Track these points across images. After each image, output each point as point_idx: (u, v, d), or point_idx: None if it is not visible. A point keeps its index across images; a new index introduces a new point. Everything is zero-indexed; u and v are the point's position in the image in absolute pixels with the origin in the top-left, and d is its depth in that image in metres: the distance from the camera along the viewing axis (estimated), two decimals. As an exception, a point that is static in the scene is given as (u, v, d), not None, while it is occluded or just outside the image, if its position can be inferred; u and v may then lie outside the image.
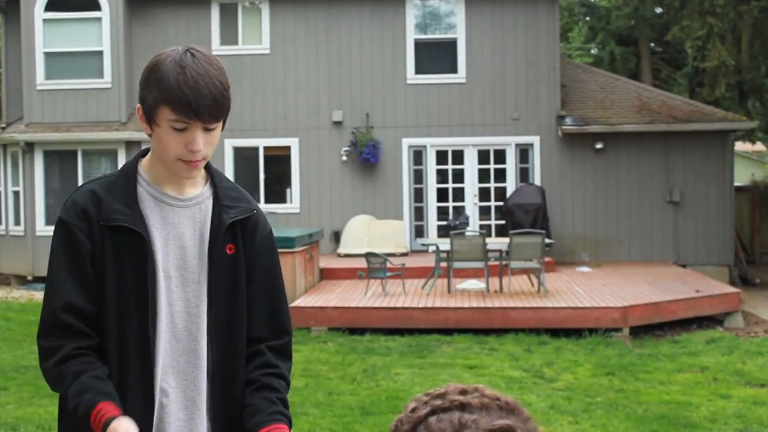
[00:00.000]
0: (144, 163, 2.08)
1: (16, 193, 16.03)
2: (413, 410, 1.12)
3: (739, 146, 24.92)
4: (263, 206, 15.55)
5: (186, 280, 2.03)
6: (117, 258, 1.98)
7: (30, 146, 15.52)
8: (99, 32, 15.62)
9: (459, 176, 15.86)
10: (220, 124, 1.98)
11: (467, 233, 12.56)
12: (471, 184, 15.82)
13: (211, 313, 2.04)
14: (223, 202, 2.08)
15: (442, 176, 15.86)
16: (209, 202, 2.08)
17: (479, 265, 11.42)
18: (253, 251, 2.12)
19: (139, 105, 1.99)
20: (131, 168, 2.06)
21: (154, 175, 2.05)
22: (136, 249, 1.98)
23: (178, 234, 2.03)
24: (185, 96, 1.87)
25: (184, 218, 2.05)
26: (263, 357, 2.09)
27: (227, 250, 2.06)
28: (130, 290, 1.97)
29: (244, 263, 2.09)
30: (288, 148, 16.01)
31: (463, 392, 1.12)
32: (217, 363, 2.05)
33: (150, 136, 2.00)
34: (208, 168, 2.12)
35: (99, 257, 1.98)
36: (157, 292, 1.99)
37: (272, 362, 2.09)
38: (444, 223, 15.56)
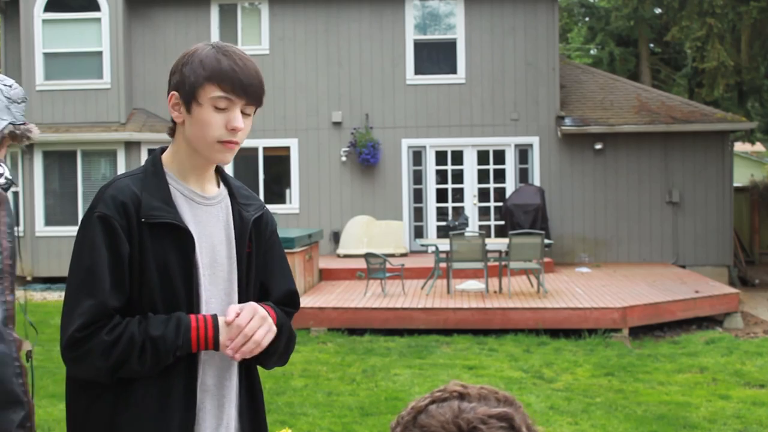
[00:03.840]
0: (166, 159, 2.07)
1: (16, 194, 16.02)
2: (416, 402, 1.16)
3: (739, 147, 24.93)
4: (263, 207, 15.57)
5: (217, 277, 2.04)
6: (160, 255, 1.95)
7: (29, 147, 15.52)
8: (98, 33, 15.62)
9: (458, 177, 15.86)
10: (254, 112, 2.00)
11: (467, 234, 12.56)
12: (470, 185, 15.83)
13: None
14: (239, 200, 2.11)
15: (441, 177, 15.87)
16: (227, 201, 2.10)
17: (479, 265, 11.42)
18: (266, 246, 2.16)
19: (173, 92, 2.02)
20: (157, 165, 2.04)
21: (179, 170, 2.04)
22: (180, 245, 1.96)
23: (208, 232, 2.04)
24: (235, 73, 1.90)
25: (211, 217, 2.06)
26: None
27: (247, 248, 2.10)
28: (176, 288, 1.96)
29: (258, 259, 2.13)
30: (287, 148, 16.01)
31: (464, 386, 1.17)
32: (245, 360, 2.07)
33: (173, 130, 2.03)
34: (217, 168, 2.13)
35: (137, 254, 1.94)
36: (200, 288, 2.00)
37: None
38: (443, 223, 15.56)
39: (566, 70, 17.07)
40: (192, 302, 1.98)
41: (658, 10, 22.69)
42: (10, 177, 2.38)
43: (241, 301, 2.07)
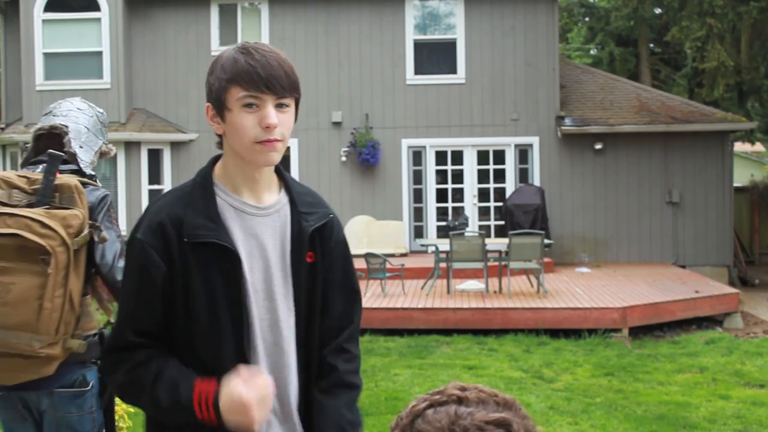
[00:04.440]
0: (217, 171, 1.99)
1: (16, 194, 16.02)
2: (413, 406, 1.14)
3: (739, 147, 24.93)
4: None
5: (271, 292, 1.95)
6: (205, 275, 1.88)
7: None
8: (98, 33, 15.61)
9: (458, 177, 15.86)
10: (293, 103, 1.90)
11: (466, 234, 12.56)
12: (470, 185, 15.82)
13: (299, 323, 1.99)
14: (300, 208, 2.00)
15: (441, 177, 15.86)
16: (287, 210, 2.00)
17: (479, 265, 11.42)
18: (330, 256, 2.05)
19: (207, 104, 1.92)
20: (206, 177, 1.97)
21: (229, 182, 1.95)
22: (226, 265, 1.88)
23: (261, 245, 1.94)
24: (254, 69, 1.83)
25: (265, 228, 1.96)
26: (333, 370, 2.05)
27: (307, 258, 1.99)
28: (221, 308, 1.89)
29: (322, 270, 2.02)
30: (287, 148, 15.98)
31: (462, 389, 1.14)
32: (304, 375, 2.00)
33: (221, 140, 1.94)
34: (280, 174, 2.04)
35: (179, 276, 1.87)
36: (250, 308, 1.92)
37: (341, 377, 2.05)
38: (443, 223, 15.56)
39: (566, 70, 17.06)
40: (239, 324, 1.90)
41: (658, 10, 22.69)
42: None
43: (298, 317, 1.97)
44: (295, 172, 15.93)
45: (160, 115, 15.95)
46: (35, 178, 2.70)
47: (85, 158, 2.92)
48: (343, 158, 15.77)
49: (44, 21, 15.59)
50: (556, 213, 15.56)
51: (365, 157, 15.39)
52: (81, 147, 2.92)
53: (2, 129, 16.23)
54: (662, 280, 12.86)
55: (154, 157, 15.67)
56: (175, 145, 15.89)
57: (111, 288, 2.82)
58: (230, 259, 1.88)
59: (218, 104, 1.89)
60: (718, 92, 17.32)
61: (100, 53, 15.61)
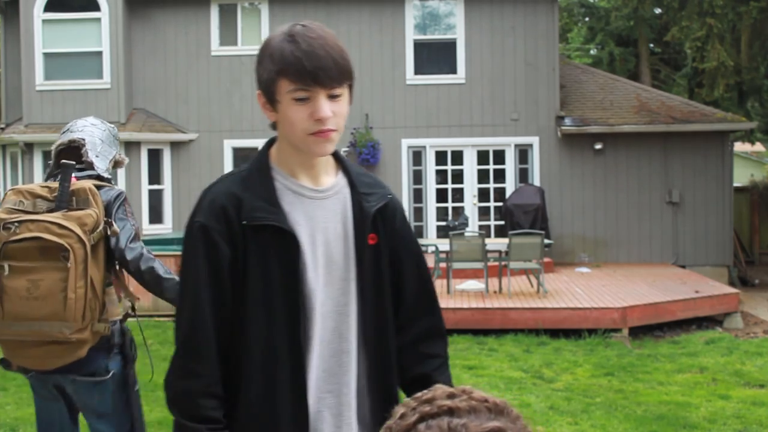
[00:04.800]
0: (273, 154, 1.93)
1: (16, 194, 16.02)
2: (402, 417, 1.09)
3: (739, 147, 24.93)
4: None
5: (333, 277, 1.90)
6: (263, 259, 1.84)
7: (29, 147, 15.52)
8: (98, 33, 15.61)
9: (458, 177, 15.86)
10: (346, 91, 1.85)
11: (466, 234, 12.56)
12: (470, 185, 15.82)
13: (360, 310, 1.92)
14: (360, 189, 1.95)
15: (441, 177, 15.87)
16: (346, 191, 1.95)
17: (478, 265, 11.42)
18: (396, 238, 1.99)
19: (258, 92, 1.86)
20: (263, 161, 1.92)
21: (286, 165, 1.91)
22: (284, 249, 1.84)
23: (323, 228, 1.89)
24: (300, 61, 1.74)
25: (325, 210, 1.91)
26: (421, 350, 2.02)
27: (369, 240, 1.93)
28: (278, 293, 1.84)
29: (387, 252, 1.96)
30: (287, 148, 16.00)
31: (451, 396, 1.10)
32: (369, 362, 1.93)
33: (274, 128, 1.89)
34: (337, 156, 1.99)
35: (240, 260, 1.84)
36: (308, 293, 1.86)
37: (433, 357, 2.03)
38: (443, 223, 15.56)
39: (566, 70, 17.06)
40: (296, 309, 1.85)
41: (658, 10, 22.69)
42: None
43: (362, 302, 1.91)
44: (295, 172, 15.93)
45: (160, 115, 15.95)
46: (55, 186, 3.12)
47: (101, 165, 3.37)
48: (343, 158, 15.76)
49: (44, 21, 15.59)
50: (556, 213, 15.56)
51: (365, 157, 15.39)
52: (97, 156, 3.37)
53: (2, 129, 16.23)
54: (662, 280, 12.86)
55: (154, 157, 15.67)
56: (175, 145, 15.89)
57: (125, 267, 3.18)
58: (288, 243, 1.84)
59: (269, 95, 1.84)
60: (718, 92, 17.31)
61: (100, 53, 15.61)
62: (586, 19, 26.60)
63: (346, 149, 15.73)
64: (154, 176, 15.66)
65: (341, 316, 1.90)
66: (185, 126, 15.95)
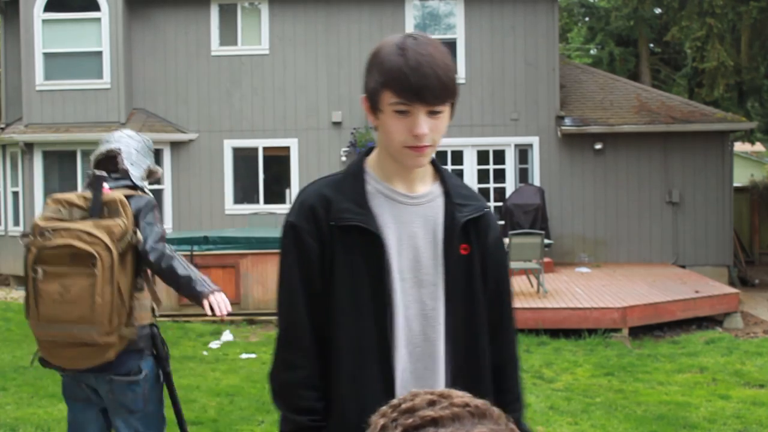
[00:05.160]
0: (370, 160, 1.98)
1: (15, 194, 16.03)
2: (383, 429, 1.05)
3: (739, 147, 24.93)
4: (262, 207, 15.56)
5: (420, 281, 1.92)
6: (348, 260, 1.89)
7: (29, 147, 15.52)
8: (98, 33, 15.61)
9: (458, 176, 15.84)
10: (447, 108, 1.86)
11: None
12: (470, 185, 15.79)
13: (449, 316, 1.93)
14: (455, 200, 1.97)
15: (441, 177, 15.85)
16: (440, 200, 1.97)
17: (478, 265, 11.40)
18: (486, 252, 2.00)
19: (363, 96, 1.92)
20: (358, 166, 1.98)
21: (382, 171, 1.95)
22: (370, 249, 1.88)
23: (411, 233, 1.93)
24: (406, 77, 1.78)
25: (415, 216, 1.94)
26: (499, 378, 2.02)
27: (461, 250, 1.95)
28: (365, 293, 1.88)
29: (479, 264, 1.97)
30: (287, 148, 16.01)
31: (432, 403, 1.06)
32: (458, 369, 1.95)
33: (376, 129, 1.93)
34: (435, 165, 2.01)
35: (328, 260, 1.90)
36: (393, 294, 1.89)
37: (507, 388, 2.03)
38: (443, 223, 15.54)
39: (566, 70, 17.06)
40: (382, 310, 1.89)
41: (658, 10, 22.70)
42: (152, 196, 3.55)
43: (449, 307, 1.93)
44: (295, 172, 15.94)
45: (160, 115, 15.95)
46: (89, 197, 3.32)
47: (136, 173, 3.55)
48: (343, 158, 15.77)
49: (44, 21, 15.59)
50: (556, 213, 15.56)
51: (365, 157, 15.39)
52: (132, 164, 3.56)
53: (2, 129, 16.23)
54: (662, 280, 12.86)
55: (154, 157, 15.65)
56: (175, 145, 15.89)
57: (149, 267, 3.34)
58: (375, 244, 1.88)
59: (372, 103, 1.88)
60: (718, 92, 17.32)
61: (100, 53, 15.61)
62: (586, 19, 26.60)
63: (346, 149, 15.73)
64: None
65: (428, 319, 1.93)
66: (185, 126, 15.95)
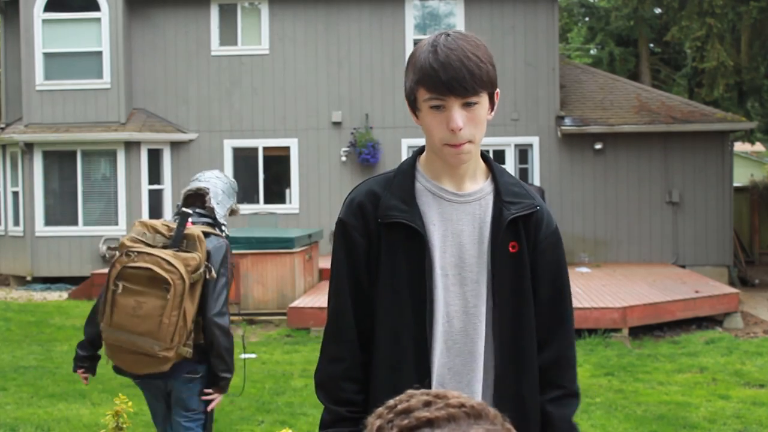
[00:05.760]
0: (422, 158, 2.02)
1: (15, 194, 16.03)
2: (379, 430, 1.06)
3: (739, 147, 24.93)
4: (262, 207, 15.56)
5: (464, 278, 1.94)
6: (392, 255, 1.93)
7: (29, 147, 15.52)
8: (98, 33, 15.62)
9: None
10: (484, 99, 1.88)
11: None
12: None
13: (494, 314, 1.94)
14: (504, 197, 1.97)
15: (441, 177, 15.86)
16: (489, 198, 1.98)
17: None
18: (537, 249, 1.99)
19: (406, 98, 1.96)
20: (409, 164, 2.02)
21: (431, 169, 1.98)
22: (413, 245, 1.92)
23: (457, 231, 1.95)
24: (434, 71, 1.82)
25: (463, 214, 1.96)
26: (550, 381, 2.00)
27: (510, 248, 1.95)
28: (405, 288, 1.92)
29: (529, 262, 1.97)
30: (287, 148, 16.01)
31: (428, 404, 1.06)
32: (502, 368, 1.95)
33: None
34: (488, 162, 2.03)
35: (374, 255, 1.95)
36: (434, 291, 1.92)
37: (557, 392, 2.00)
38: (443, 223, 15.55)
39: (566, 70, 17.06)
40: (418, 304, 1.91)
41: (658, 10, 22.69)
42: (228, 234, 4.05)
43: (494, 305, 1.94)
44: (295, 172, 15.94)
45: (160, 115, 15.95)
46: (173, 227, 3.76)
47: (220, 212, 4.01)
48: (343, 158, 15.77)
49: (44, 21, 15.60)
50: (556, 213, 15.55)
51: (365, 157, 15.39)
52: (218, 204, 4.00)
53: (2, 129, 16.23)
54: (662, 280, 12.86)
55: (154, 156, 15.68)
56: (175, 145, 15.89)
57: (207, 327, 3.75)
58: (417, 241, 1.91)
59: (411, 102, 1.93)
60: (718, 92, 17.31)
61: (100, 53, 15.61)
62: (586, 19, 26.60)
63: (346, 149, 15.74)
64: (154, 176, 15.67)
65: (470, 317, 1.94)
66: (185, 126, 15.95)
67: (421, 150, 2.04)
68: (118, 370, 3.90)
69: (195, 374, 3.84)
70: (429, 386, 1.88)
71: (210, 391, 3.88)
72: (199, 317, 3.77)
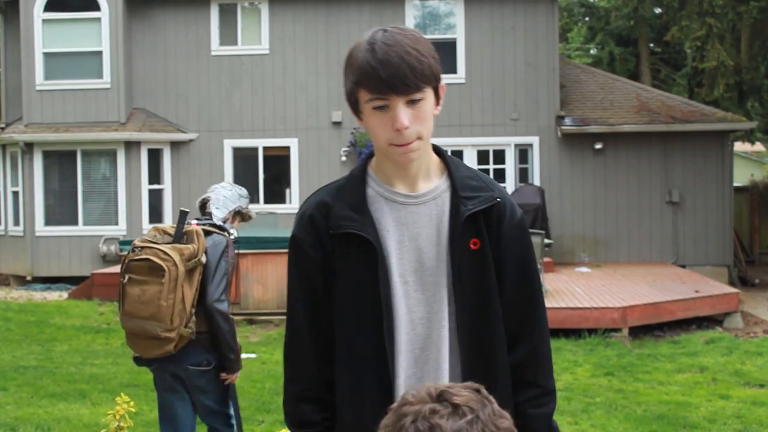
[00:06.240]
0: (373, 162, 1.93)
1: (16, 194, 16.03)
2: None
3: (739, 146, 24.93)
4: (262, 207, 15.55)
5: (425, 283, 1.86)
6: (346, 267, 1.85)
7: (29, 146, 15.52)
8: (98, 32, 15.62)
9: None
10: (428, 94, 1.79)
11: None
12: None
13: (455, 316, 1.85)
14: (461, 193, 1.87)
15: (441, 176, 15.85)
16: (446, 196, 1.88)
17: (478, 265, 11.40)
18: (501, 244, 1.90)
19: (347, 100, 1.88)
20: (360, 169, 1.93)
21: (382, 173, 1.89)
22: (366, 256, 1.83)
23: (413, 234, 1.86)
24: (374, 70, 1.73)
25: (418, 216, 1.87)
26: (523, 376, 1.92)
27: (471, 246, 1.86)
28: (362, 300, 1.84)
29: (492, 258, 1.88)
30: (287, 148, 16.01)
31: (435, 414, 1.12)
32: (470, 373, 1.84)
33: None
34: (443, 157, 1.94)
35: (331, 269, 1.87)
36: (392, 300, 1.84)
37: (531, 388, 1.93)
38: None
39: (566, 70, 17.06)
40: (375, 315, 1.83)
41: (658, 10, 22.70)
42: (237, 235, 4.48)
43: (458, 309, 1.84)
44: (295, 172, 15.94)
45: (160, 114, 15.95)
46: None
47: (218, 215, 4.41)
48: (343, 158, 15.77)
49: (44, 21, 15.59)
50: (556, 213, 15.56)
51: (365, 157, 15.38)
52: (217, 209, 4.43)
53: (2, 129, 16.23)
54: (662, 279, 12.86)
55: (154, 156, 15.68)
56: (175, 145, 15.89)
57: (208, 313, 4.09)
58: (370, 251, 1.83)
59: (352, 104, 1.85)
60: (718, 92, 17.32)
61: (100, 53, 15.61)
62: (586, 19, 26.60)
63: (346, 149, 15.74)
64: (154, 176, 15.67)
65: (433, 323, 1.86)
66: (185, 126, 15.95)
67: (371, 155, 1.95)
68: (137, 360, 4.26)
69: (206, 366, 4.19)
70: (392, 401, 1.82)
71: (225, 375, 4.25)
72: (201, 305, 4.12)
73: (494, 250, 1.89)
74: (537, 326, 1.95)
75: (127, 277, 4.09)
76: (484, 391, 1.28)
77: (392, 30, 1.79)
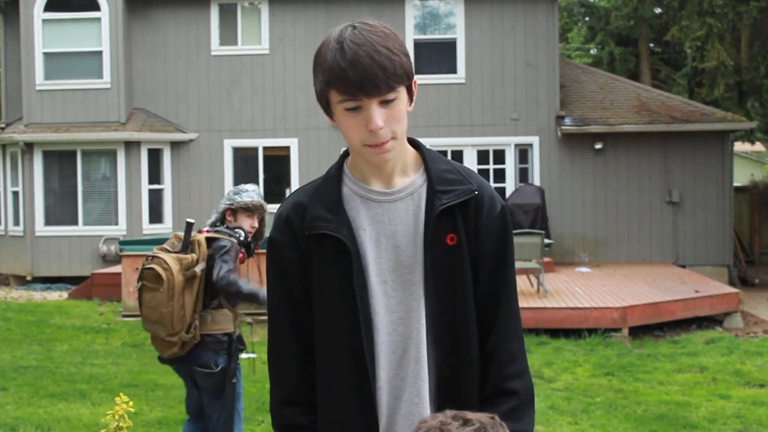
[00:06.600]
0: (348, 161, 1.89)
1: (16, 194, 16.03)
2: None
3: (739, 146, 24.94)
4: (262, 206, 15.52)
5: (404, 281, 1.81)
6: (323, 267, 1.81)
7: (29, 146, 15.52)
8: (98, 32, 15.62)
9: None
10: (401, 93, 1.74)
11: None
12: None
13: (430, 315, 1.80)
14: (437, 187, 1.83)
15: (441, 176, 15.84)
16: (423, 190, 1.84)
17: (478, 265, 11.39)
18: (479, 238, 1.83)
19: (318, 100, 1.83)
20: (336, 168, 1.89)
21: (358, 171, 1.85)
22: (341, 256, 1.79)
23: (390, 232, 1.81)
24: (343, 71, 1.68)
25: (395, 213, 1.82)
26: (494, 375, 1.83)
27: (448, 241, 1.80)
28: (338, 302, 1.80)
29: (468, 253, 1.81)
30: (287, 148, 16.01)
31: None
32: (441, 370, 1.81)
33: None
34: (420, 151, 1.89)
35: (308, 269, 1.83)
36: (370, 301, 1.80)
37: (502, 384, 1.83)
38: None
39: (566, 70, 17.07)
40: (353, 317, 1.79)
41: (658, 10, 22.69)
42: (248, 239, 4.71)
43: (433, 307, 1.79)
44: (295, 172, 15.94)
45: (160, 114, 15.95)
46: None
47: (209, 221, 4.73)
48: (343, 158, 15.77)
49: (44, 21, 15.60)
50: (556, 213, 15.56)
51: (365, 157, 15.39)
52: (210, 217, 4.77)
53: (2, 129, 16.23)
54: (662, 279, 12.86)
55: (154, 156, 15.68)
56: (175, 145, 15.89)
57: (221, 292, 4.47)
58: (345, 251, 1.79)
59: (323, 105, 1.81)
60: (718, 92, 17.32)
61: (100, 53, 15.61)
62: (586, 18, 26.60)
63: (346, 149, 15.73)
64: (154, 176, 15.67)
65: (413, 322, 1.81)
66: (185, 126, 15.95)
67: (346, 153, 1.91)
68: (159, 359, 4.63)
69: (213, 368, 4.46)
70: (372, 403, 1.81)
71: (236, 381, 4.52)
72: (204, 311, 4.44)
73: (472, 244, 1.82)
74: (505, 322, 1.87)
75: (140, 283, 4.45)
76: (498, 418, 1.45)
77: (361, 26, 1.74)
